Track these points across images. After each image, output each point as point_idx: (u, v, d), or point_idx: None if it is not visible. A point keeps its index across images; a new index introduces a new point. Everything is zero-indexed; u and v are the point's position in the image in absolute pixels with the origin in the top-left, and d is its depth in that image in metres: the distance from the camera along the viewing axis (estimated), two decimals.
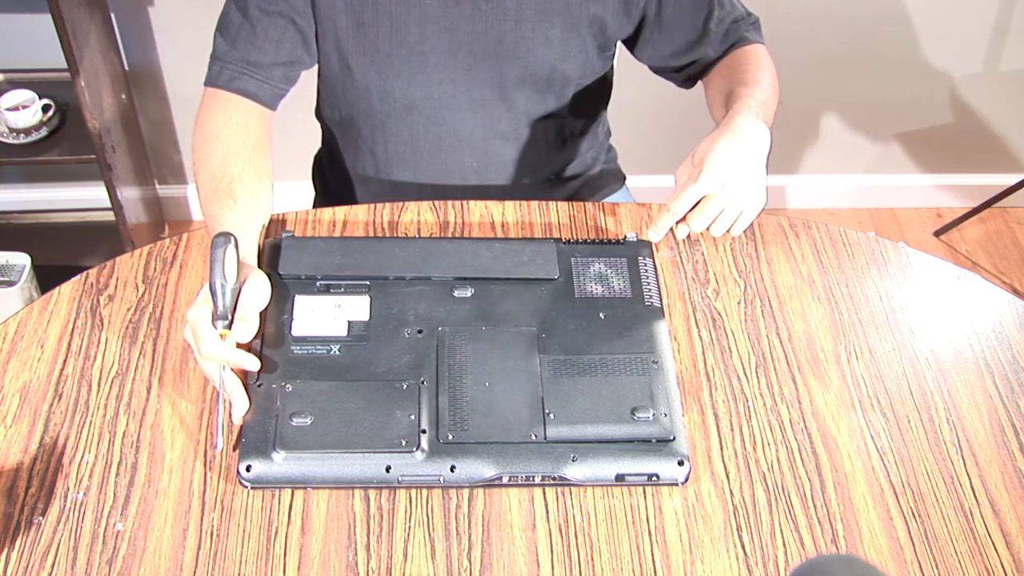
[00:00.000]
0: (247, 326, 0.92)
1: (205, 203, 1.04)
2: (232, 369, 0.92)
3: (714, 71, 1.23)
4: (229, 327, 0.91)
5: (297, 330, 0.97)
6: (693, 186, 1.04)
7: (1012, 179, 2.25)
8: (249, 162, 1.06)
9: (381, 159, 1.27)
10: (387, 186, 1.29)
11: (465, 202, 1.16)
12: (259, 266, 1.02)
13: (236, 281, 0.93)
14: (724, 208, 1.06)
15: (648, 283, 1.04)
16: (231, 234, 0.93)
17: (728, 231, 1.09)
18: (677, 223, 1.10)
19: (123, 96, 2.02)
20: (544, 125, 1.24)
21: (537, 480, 0.89)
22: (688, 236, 1.13)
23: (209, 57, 1.13)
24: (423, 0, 1.10)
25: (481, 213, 1.16)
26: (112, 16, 1.95)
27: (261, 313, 0.96)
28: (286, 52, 1.12)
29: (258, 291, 0.95)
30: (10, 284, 1.96)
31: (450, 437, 0.90)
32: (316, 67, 1.22)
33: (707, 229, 1.09)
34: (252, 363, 0.92)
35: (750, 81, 1.15)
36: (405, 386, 0.93)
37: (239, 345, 0.93)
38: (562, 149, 1.30)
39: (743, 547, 0.87)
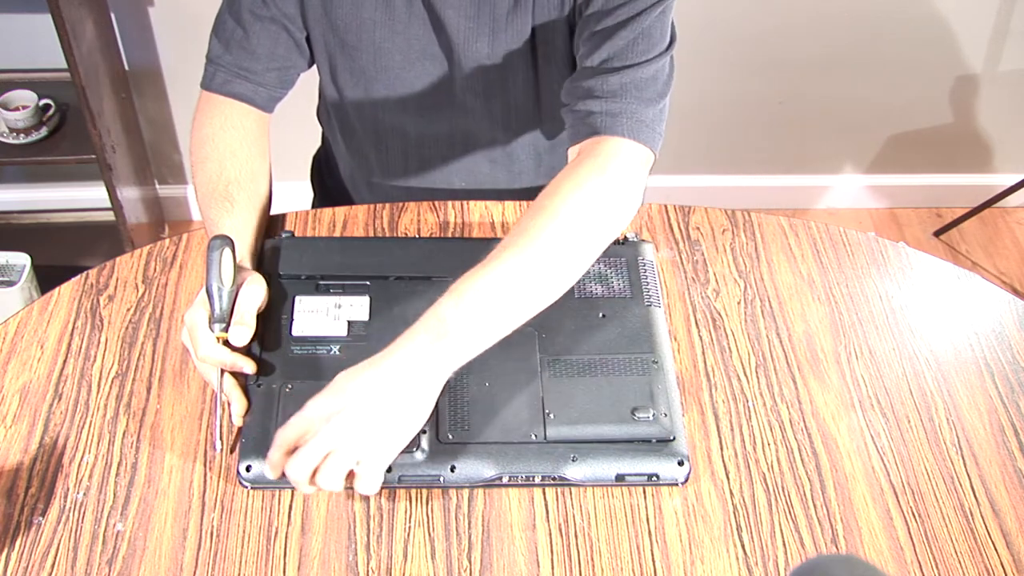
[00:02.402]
0: (243, 329, 0.92)
1: (203, 207, 1.03)
2: (230, 371, 0.92)
3: (568, 164, 0.97)
4: (226, 330, 0.91)
5: (297, 330, 0.97)
6: (296, 416, 0.82)
7: (1012, 179, 2.25)
8: (246, 164, 1.06)
9: (369, 172, 1.27)
10: (379, 188, 1.29)
11: (465, 202, 1.16)
12: (259, 267, 1.02)
13: (233, 284, 0.93)
14: (328, 451, 0.80)
15: (648, 283, 1.04)
16: (227, 237, 0.93)
17: (352, 485, 0.83)
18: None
19: (123, 96, 2.02)
20: (533, 149, 1.24)
21: (537, 480, 0.89)
22: None
23: (205, 58, 1.13)
24: (407, 28, 1.09)
25: (481, 213, 1.16)
26: (112, 16, 1.95)
27: (259, 315, 0.96)
28: (280, 58, 1.11)
29: (255, 294, 0.95)
30: (10, 284, 1.96)
31: (450, 437, 0.90)
32: (315, 69, 1.22)
33: (313, 479, 0.82)
34: (248, 366, 0.92)
35: (507, 245, 0.88)
36: None
37: (237, 348, 0.93)
38: (553, 169, 1.29)
39: (743, 547, 0.87)
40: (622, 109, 0.96)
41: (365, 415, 0.81)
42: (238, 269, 0.95)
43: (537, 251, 0.87)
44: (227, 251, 0.92)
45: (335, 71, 1.15)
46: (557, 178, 0.93)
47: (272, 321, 0.98)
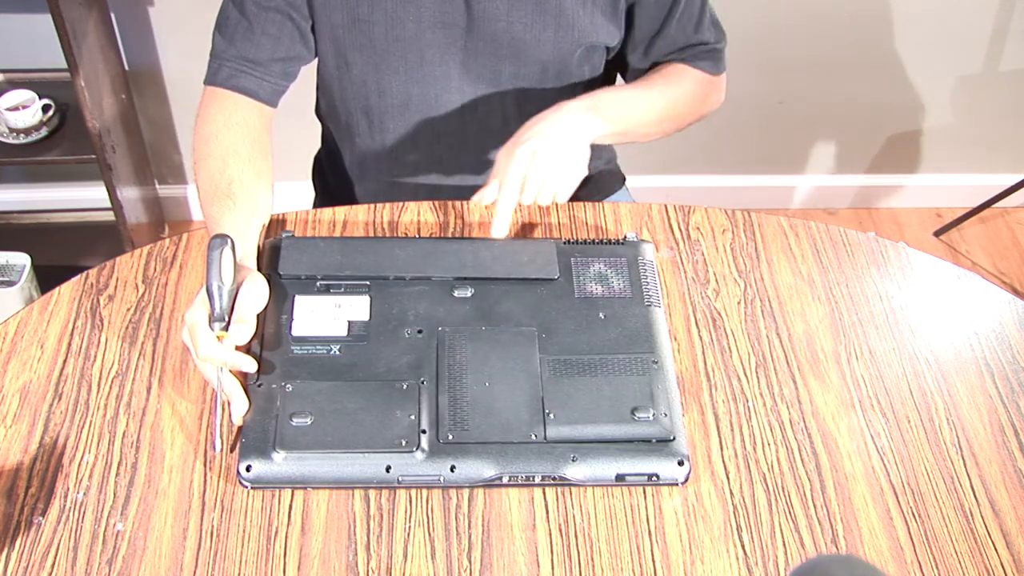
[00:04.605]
0: (244, 327, 0.92)
1: (205, 204, 1.04)
2: (230, 370, 0.92)
3: (681, 67, 1.24)
4: (226, 329, 0.91)
5: (297, 330, 0.97)
6: (510, 161, 1.06)
7: (1012, 179, 2.25)
8: (248, 162, 1.06)
9: (378, 156, 1.27)
10: (384, 184, 1.29)
11: (465, 202, 1.16)
12: (259, 266, 1.02)
13: (233, 283, 0.93)
14: (543, 174, 1.06)
15: (648, 283, 1.04)
16: (227, 236, 0.93)
17: (555, 198, 1.09)
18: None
19: (123, 96, 2.02)
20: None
21: (537, 480, 0.90)
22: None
23: (209, 55, 1.13)
24: None
25: (481, 213, 1.16)
26: (112, 16, 1.95)
27: (260, 314, 0.96)
28: (284, 48, 1.12)
29: (255, 293, 0.95)
30: (10, 284, 1.96)
31: (450, 437, 0.90)
32: (316, 64, 1.22)
33: (536, 199, 1.08)
34: (249, 364, 0.92)
35: (634, 87, 1.19)
36: (405, 386, 0.93)
37: (238, 347, 0.93)
38: None
39: (743, 547, 0.87)
40: (708, 56, 1.22)
41: (557, 146, 1.07)
42: (238, 268, 0.95)
43: (658, 104, 1.20)
44: (227, 250, 0.92)
45: (345, 51, 1.15)
46: (676, 69, 1.22)
47: (272, 321, 0.98)
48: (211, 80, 1.11)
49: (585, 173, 1.09)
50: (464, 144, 1.24)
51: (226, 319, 0.92)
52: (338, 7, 1.11)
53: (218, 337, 0.91)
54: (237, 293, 0.93)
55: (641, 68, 1.24)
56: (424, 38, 1.13)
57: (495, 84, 1.18)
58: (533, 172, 1.05)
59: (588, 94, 1.13)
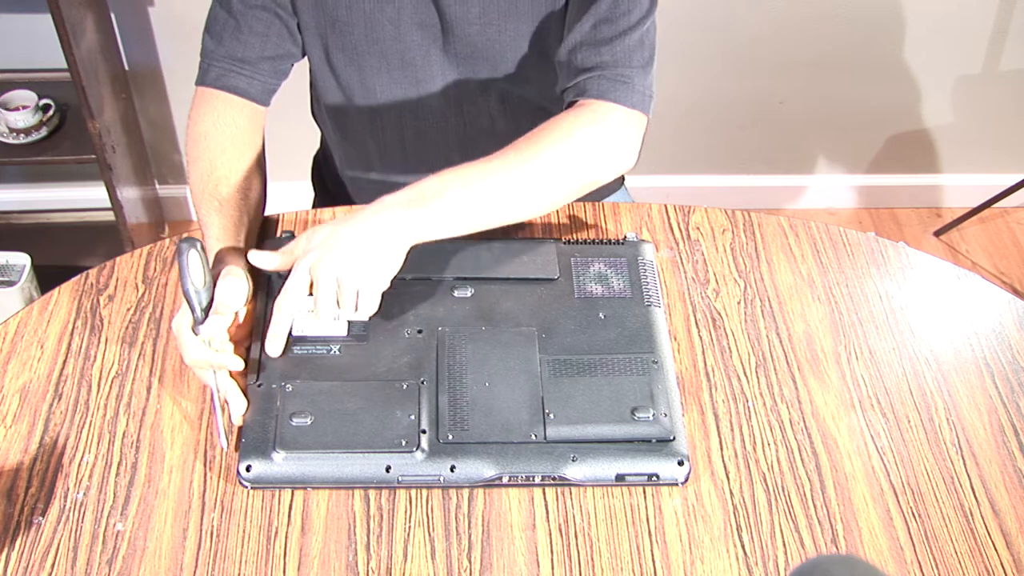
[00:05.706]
0: (218, 319, 0.92)
1: (196, 207, 1.04)
2: (228, 372, 0.92)
3: (568, 110, 1.06)
4: None
5: (297, 330, 0.97)
6: (290, 281, 0.93)
7: (1012, 179, 2.25)
8: (236, 162, 1.06)
9: (370, 156, 1.27)
10: (378, 185, 1.29)
11: None
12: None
13: (207, 283, 0.92)
14: (328, 294, 0.92)
15: (648, 283, 1.04)
16: (192, 238, 0.93)
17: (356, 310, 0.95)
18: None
19: (123, 96, 2.02)
20: (527, 120, 1.24)
21: (537, 480, 0.90)
22: None
23: (199, 56, 1.13)
24: None
25: None
26: (112, 16, 1.95)
27: (261, 315, 0.96)
28: (272, 46, 1.12)
29: (231, 286, 0.94)
30: (10, 284, 1.96)
31: (450, 437, 0.90)
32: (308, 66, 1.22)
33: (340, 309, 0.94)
34: (236, 363, 0.92)
35: (489, 159, 0.99)
36: (405, 386, 0.93)
37: (236, 350, 0.93)
38: None
39: (743, 547, 0.87)
40: (615, 81, 1.04)
41: (343, 260, 0.91)
42: (209, 267, 0.95)
43: (522, 173, 0.99)
44: (193, 252, 0.91)
45: (328, 51, 1.15)
46: (557, 118, 1.03)
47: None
48: (201, 80, 1.12)
49: (388, 280, 0.94)
50: (453, 142, 1.24)
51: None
52: (319, 8, 1.11)
53: (203, 341, 0.91)
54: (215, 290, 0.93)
55: (560, 84, 1.10)
56: (403, 40, 1.13)
57: (478, 84, 1.18)
58: (321, 293, 0.92)
59: (417, 183, 0.97)
